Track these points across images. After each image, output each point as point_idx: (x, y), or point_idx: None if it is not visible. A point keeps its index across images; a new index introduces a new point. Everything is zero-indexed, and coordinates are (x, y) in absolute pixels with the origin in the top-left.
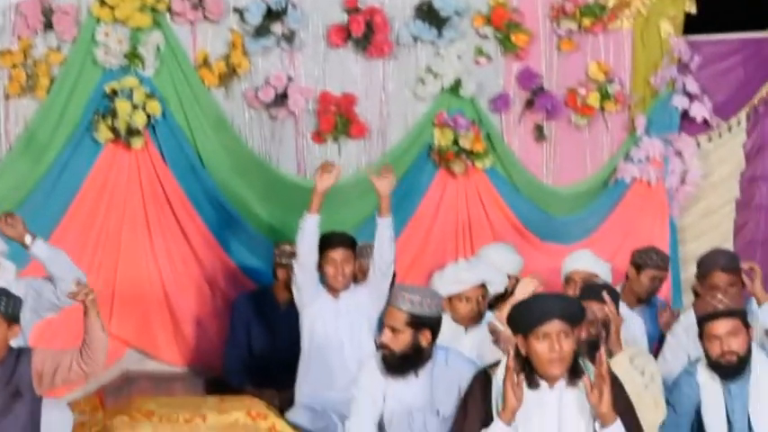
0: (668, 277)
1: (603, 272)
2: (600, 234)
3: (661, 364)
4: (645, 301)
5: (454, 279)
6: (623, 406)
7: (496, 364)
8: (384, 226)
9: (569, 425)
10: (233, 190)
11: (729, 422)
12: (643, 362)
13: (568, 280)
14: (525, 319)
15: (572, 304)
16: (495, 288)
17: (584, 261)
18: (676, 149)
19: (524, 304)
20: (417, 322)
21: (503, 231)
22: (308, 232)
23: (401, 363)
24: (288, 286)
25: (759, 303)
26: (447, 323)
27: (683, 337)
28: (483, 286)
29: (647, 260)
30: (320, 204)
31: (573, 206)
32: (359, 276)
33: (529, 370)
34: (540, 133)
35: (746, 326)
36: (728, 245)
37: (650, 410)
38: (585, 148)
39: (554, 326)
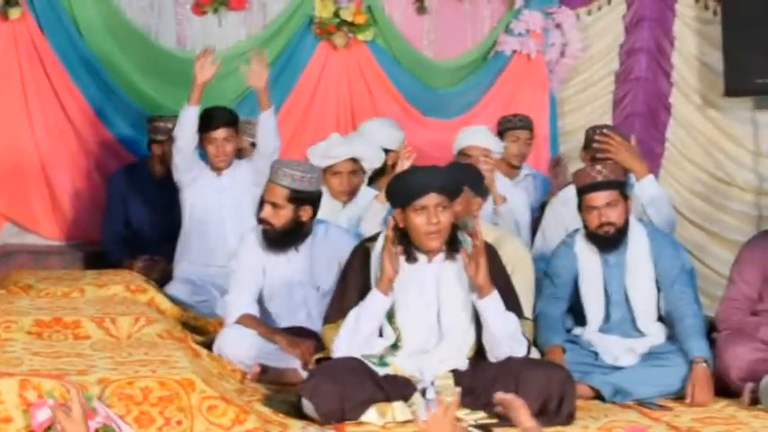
0: (535, 142)
1: (497, 148)
2: (480, 107)
3: (540, 235)
4: (517, 166)
5: (324, 153)
6: (500, 277)
7: (375, 237)
8: (265, 117)
9: (448, 298)
10: (111, 61)
11: (607, 293)
12: (510, 251)
13: (462, 154)
14: (403, 192)
15: (450, 177)
16: (370, 163)
17: (481, 137)
18: (556, 22)
19: (402, 178)
20: (298, 197)
21: (384, 105)
22: (188, 124)
23: (281, 238)
24: (162, 160)
25: (637, 177)
26: (325, 198)
27: (562, 211)
28: (355, 161)
29: (507, 123)
30: (200, 96)
31: (453, 79)
32: (243, 153)
33: (407, 243)
34: (421, 5)
35: (625, 197)
36: (607, 117)
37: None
38: (466, 20)
39: (431, 199)
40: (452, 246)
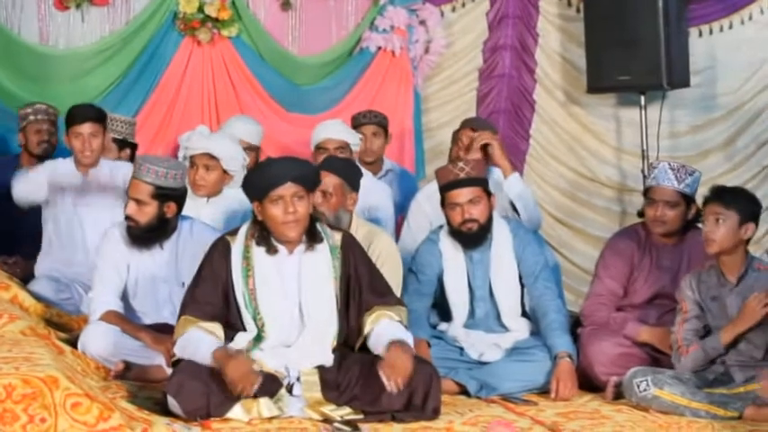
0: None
1: (354, 141)
2: (345, 104)
3: (405, 230)
4: (370, 161)
5: (185, 143)
6: (366, 264)
7: (236, 230)
8: None
9: (310, 289)
10: None
11: (471, 289)
12: (381, 245)
13: (319, 149)
14: (259, 183)
15: (305, 167)
16: (227, 163)
17: (337, 130)
18: (420, 18)
19: (257, 169)
20: (162, 194)
21: (248, 101)
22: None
23: (146, 234)
24: (28, 151)
25: (504, 175)
26: (189, 195)
27: (426, 205)
28: (212, 157)
29: (362, 119)
30: None
31: (318, 75)
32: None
33: (267, 236)
34: (285, 2)
35: (488, 194)
36: (471, 114)
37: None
38: (331, 17)
39: (287, 189)
40: (312, 237)
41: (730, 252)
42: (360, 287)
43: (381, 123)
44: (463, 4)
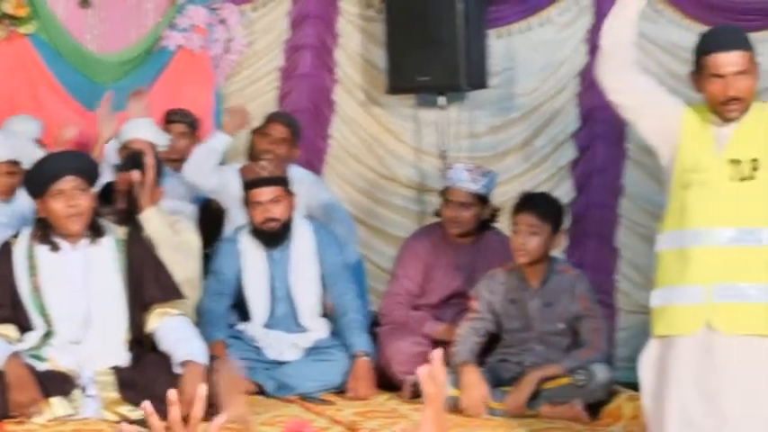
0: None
1: (163, 142)
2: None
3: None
4: (177, 159)
5: None
6: (150, 257)
7: (17, 234)
8: None
9: (97, 283)
10: None
11: (271, 289)
12: (186, 236)
13: (125, 148)
14: (39, 178)
15: (85, 160)
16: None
17: (143, 129)
18: (221, 17)
19: (37, 166)
20: None
21: (47, 99)
22: None
23: None
24: None
25: None
26: None
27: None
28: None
29: (173, 116)
30: None
31: (118, 73)
32: None
33: (48, 233)
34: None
35: (289, 194)
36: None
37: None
38: (130, 14)
39: (68, 182)
40: (96, 230)
41: (540, 261)
42: (144, 280)
43: (192, 124)
44: (264, 4)
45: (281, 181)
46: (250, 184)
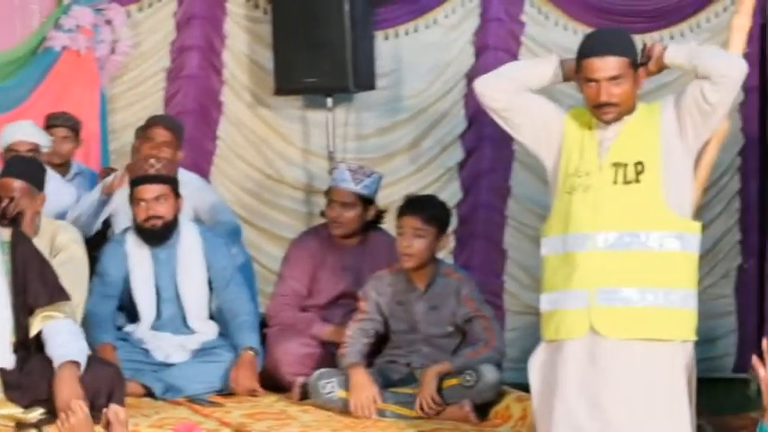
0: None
1: (46, 143)
2: (30, 103)
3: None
4: (59, 163)
5: None
6: (36, 260)
7: None
8: None
9: None
10: None
11: (158, 290)
12: (65, 239)
13: (10, 150)
14: None
15: None
16: None
17: (28, 132)
18: (106, 18)
19: None
20: None
21: None
22: None
23: None
24: None
25: None
26: None
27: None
28: None
29: (54, 120)
30: None
31: (2, 74)
32: None
33: None
34: None
35: (176, 195)
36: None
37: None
38: (15, 14)
39: None
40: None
41: (425, 264)
42: (28, 282)
43: (74, 127)
44: (150, 5)
45: (168, 180)
46: (136, 181)
